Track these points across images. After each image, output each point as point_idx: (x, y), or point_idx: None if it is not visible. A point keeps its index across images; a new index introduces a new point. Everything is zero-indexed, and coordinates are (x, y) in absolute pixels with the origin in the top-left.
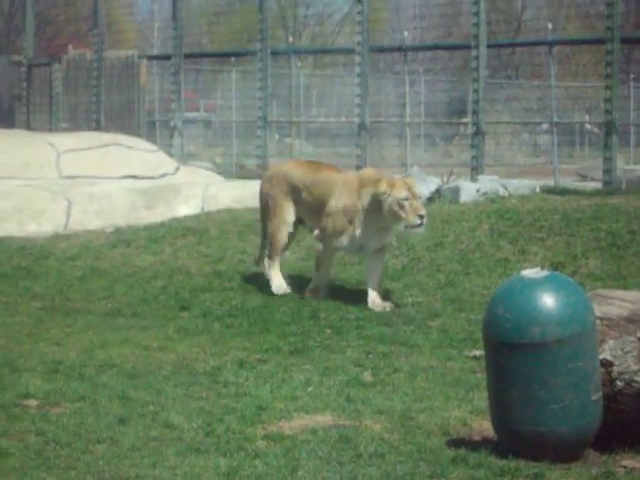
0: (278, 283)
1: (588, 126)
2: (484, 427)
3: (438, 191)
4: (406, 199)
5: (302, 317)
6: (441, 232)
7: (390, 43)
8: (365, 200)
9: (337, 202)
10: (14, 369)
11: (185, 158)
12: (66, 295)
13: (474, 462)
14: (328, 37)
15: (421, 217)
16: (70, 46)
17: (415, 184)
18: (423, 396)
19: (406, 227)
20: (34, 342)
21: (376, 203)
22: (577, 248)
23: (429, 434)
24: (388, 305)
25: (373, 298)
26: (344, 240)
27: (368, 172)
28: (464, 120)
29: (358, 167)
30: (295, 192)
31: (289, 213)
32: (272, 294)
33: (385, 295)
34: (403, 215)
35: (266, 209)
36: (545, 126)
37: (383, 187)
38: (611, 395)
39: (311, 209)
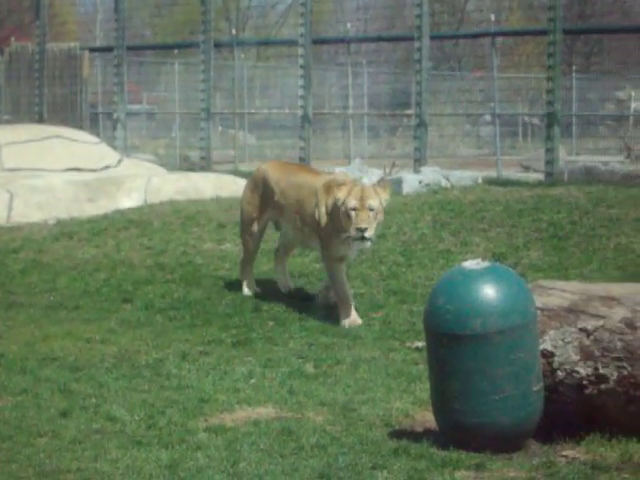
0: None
1: (527, 118)
2: (426, 418)
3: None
4: (354, 209)
5: (244, 309)
6: (383, 224)
7: (334, 35)
8: (329, 207)
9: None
10: None
11: (128, 150)
12: (8, 288)
13: (416, 453)
14: (272, 29)
15: (360, 230)
16: (12, 38)
17: (373, 194)
18: (365, 388)
19: (348, 238)
20: None
21: (336, 210)
22: (519, 239)
23: (371, 426)
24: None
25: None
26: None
27: (337, 176)
28: (407, 112)
29: (301, 159)
30: (270, 195)
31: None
32: (212, 287)
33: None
34: (347, 226)
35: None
36: (487, 117)
37: (339, 194)
38: (552, 386)
39: (289, 214)
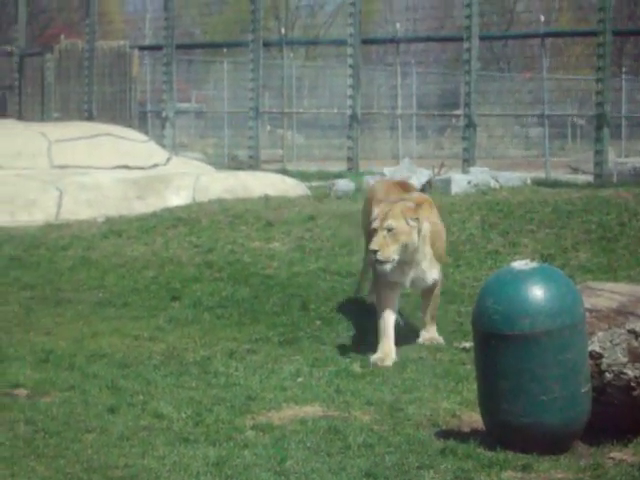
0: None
1: (576, 119)
2: (473, 419)
3: (429, 183)
4: (374, 230)
5: (292, 308)
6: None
7: (383, 35)
8: None
9: None
10: (4, 358)
11: (176, 149)
12: (57, 285)
13: (463, 453)
14: (320, 28)
15: (372, 252)
16: (62, 36)
17: (397, 214)
18: (412, 387)
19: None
20: (24, 331)
21: None
22: (567, 240)
23: (418, 425)
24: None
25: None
26: None
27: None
28: (456, 112)
29: (349, 159)
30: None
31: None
32: (259, 285)
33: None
34: None
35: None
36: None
37: (374, 212)
38: (600, 387)
39: None
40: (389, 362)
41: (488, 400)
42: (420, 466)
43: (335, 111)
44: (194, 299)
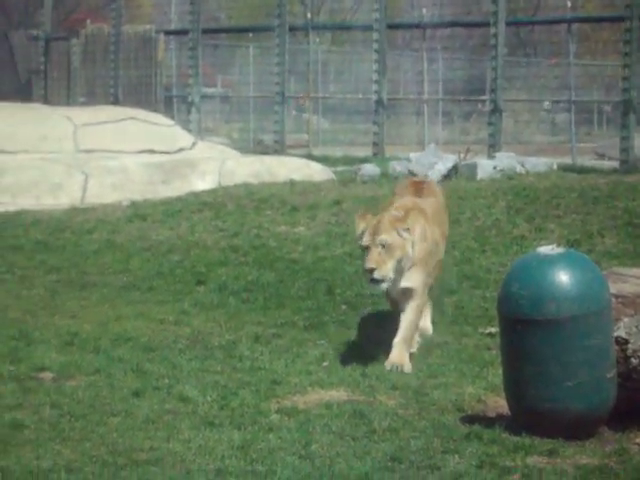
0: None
1: (602, 105)
2: (498, 404)
3: (455, 168)
4: (366, 247)
5: (317, 292)
6: (457, 209)
7: (409, 20)
8: None
9: None
10: (29, 342)
11: (202, 133)
12: (82, 268)
13: (488, 438)
14: (346, 13)
15: (367, 272)
16: (88, 21)
17: (388, 227)
18: (438, 372)
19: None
20: (49, 315)
21: None
22: (593, 226)
23: (443, 410)
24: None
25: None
26: None
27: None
28: (482, 98)
29: (375, 144)
30: None
31: None
32: (285, 270)
33: None
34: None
35: None
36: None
37: (360, 225)
38: (625, 373)
39: None
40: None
41: (513, 385)
42: (445, 451)
43: (361, 96)
44: (219, 283)
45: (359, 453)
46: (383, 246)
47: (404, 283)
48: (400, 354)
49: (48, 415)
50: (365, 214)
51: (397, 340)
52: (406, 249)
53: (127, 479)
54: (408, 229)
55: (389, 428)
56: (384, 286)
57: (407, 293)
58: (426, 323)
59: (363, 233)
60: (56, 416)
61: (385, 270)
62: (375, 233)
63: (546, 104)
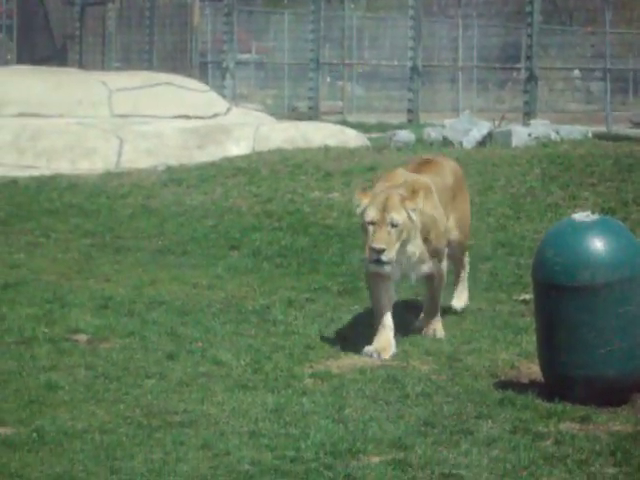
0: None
1: (638, 74)
2: (532, 370)
3: (490, 135)
4: (372, 223)
5: (351, 258)
6: (492, 176)
7: None
8: None
9: None
10: (64, 304)
11: (236, 100)
12: (116, 233)
13: (521, 404)
14: None
15: (375, 251)
16: None
17: (398, 206)
18: (471, 338)
19: (364, 260)
20: (84, 278)
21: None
22: (628, 194)
23: (476, 376)
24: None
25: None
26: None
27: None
28: (517, 65)
29: (409, 111)
30: None
31: None
32: (318, 235)
33: None
34: (364, 242)
35: None
36: (576, 72)
37: (362, 199)
38: None
39: None
40: (387, 355)
41: (547, 352)
42: (478, 416)
43: (395, 63)
44: (253, 248)
45: (392, 417)
46: (393, 225)
47: (426, 270)
48: (437, 323)
49: (83, 377)
50: (366, 190)
51: (430, 314)
52: (412, 232)
53: (161, 441)
54: (415, 210)
55: (422, 393)
56: (389, 269)
57: (430, 278)
58: (464, 298)
59: (367, 208)
60: (91, 378)
61: (393, 252)
62: (385, 210)
63: (575, 72)
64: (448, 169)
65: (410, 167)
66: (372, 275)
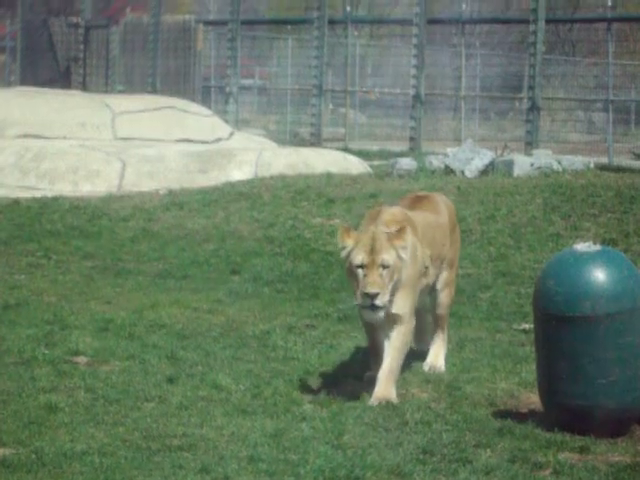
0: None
1: None
2: (531, 400)
3: (492, 164)
4: (361, 266)
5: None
6: (493, 205)
7: (448, 15)
8: None
9: None
10: (64, 326)
11: (239, 124)
12: (117, 255)
13: (520, 433)
14: (386, 7)
15: (368, 296)
16: (128, 9)
17: (386, 246)
18: (471, 367)
19: (356, 305)
20: (85, 300)
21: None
22: (630, 225)
23: (476, 404)
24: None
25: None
26: None
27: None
28: (519, 95)
29: (412, 139)
30: None
31: None
32: (319, 261)
33: None
34: (354, 287)
35: None
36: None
37: (346, 241)
38: None
39: None
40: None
41: (546, 381)
42: (477, 444)
43: (398, 91)
44: (254, 273)
45: (391, 444)
46: (384, 267)
47: (392, 309)
48: (387, 388)
49: (82, 399)
50: (349, 229)
51: (383, 372)
52: (402, 271)
53: (160, 464)
54: (405, 247)
55: (421, 421)
56: (382, 314)
57: (394, 319)
58: (439, 361)
59: (353, 251)
60: (90, 400)
61: (387, 295)
62: (373, 251)
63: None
64: (443, 206)
65: (404, 203)
66: (367, 322)
